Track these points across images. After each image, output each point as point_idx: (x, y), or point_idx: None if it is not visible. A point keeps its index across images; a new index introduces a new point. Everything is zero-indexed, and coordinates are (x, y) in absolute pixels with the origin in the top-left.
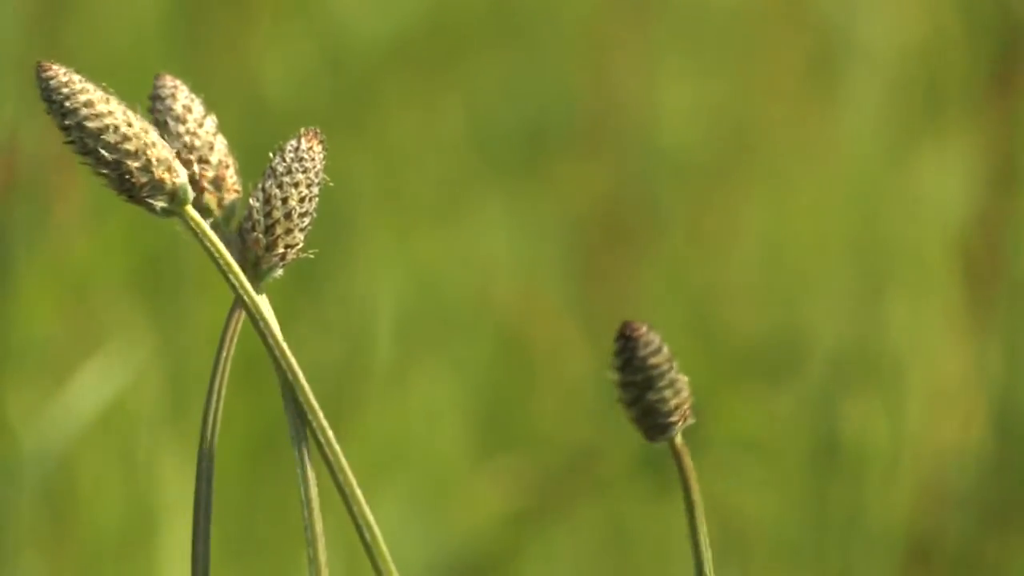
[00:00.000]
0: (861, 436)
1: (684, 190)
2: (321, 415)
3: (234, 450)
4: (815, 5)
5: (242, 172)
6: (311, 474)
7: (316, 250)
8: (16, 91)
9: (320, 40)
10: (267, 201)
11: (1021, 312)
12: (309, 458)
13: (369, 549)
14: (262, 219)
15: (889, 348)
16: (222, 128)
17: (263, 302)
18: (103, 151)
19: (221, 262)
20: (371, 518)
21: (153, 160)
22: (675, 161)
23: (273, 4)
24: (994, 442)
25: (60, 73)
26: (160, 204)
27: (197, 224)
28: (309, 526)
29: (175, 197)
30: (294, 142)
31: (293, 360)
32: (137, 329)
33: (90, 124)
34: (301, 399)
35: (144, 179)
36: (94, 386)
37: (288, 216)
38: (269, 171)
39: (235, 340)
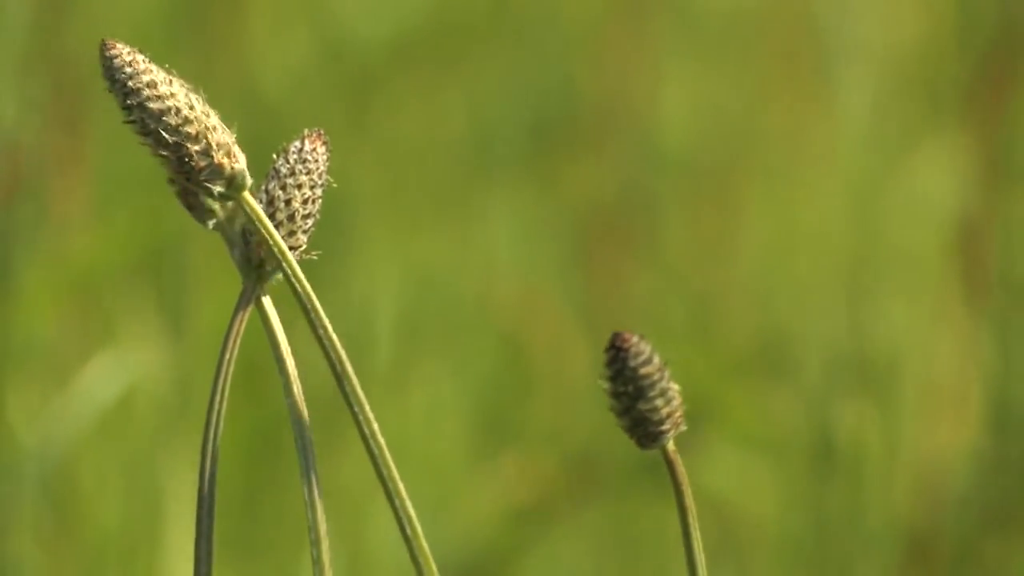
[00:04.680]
0: (858, 436)
1: (684, 190)
2: (367, 406)
3: (237, 450)
4: (813, 6)
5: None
6: (315, 475)
7: (319, 251)
8: (19, 90)
9: (322, 39)
10: (270, 203)
11: (1016, 312)
12: (313, 459)
13: (409, 543)
14: None
15: (885, 348)
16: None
17: (267, 302)
18: (164, 133)
19: (277, 250)
20: (412, 512)
21: (213, 144)
22: (676, 161)
23: (274, 3)
24: (990, 441)
25: (124, 52)
26: (218, 189)
27: (254, 210)
28: (313, 527)
29: (233, 182)
30: (297, 143)
31: (343, 352)
32: (139, 329)
33: (152, 105)
34: (348, 390)
35: (203, 163)
36: (96, 386)
37: (291, 218)
38: (272, 172)
39: (239, 340)
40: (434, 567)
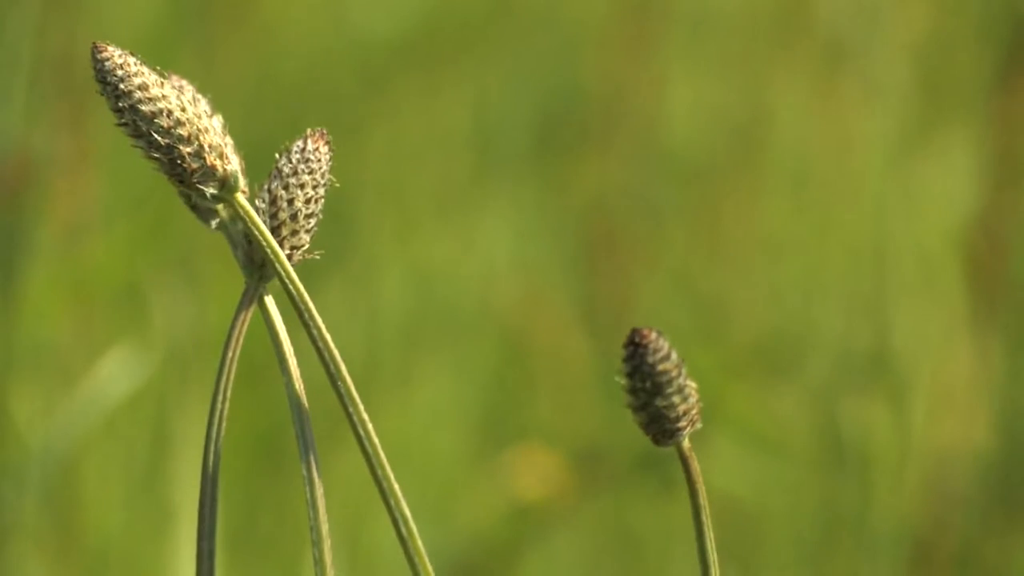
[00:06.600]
0: (866, 436)
1: (690, 190)
2: (362, 407)
3: (238, 451)
4: (822, 6)
5: (246, 169)
6: (316, 475)
7: (322, 251)
8: (26, 93)
9: (326, 38)
10: (273, 202)
11: None
12: (315, 459)
13: (404, 543)
14: (268, 220)
15: (894, 348)
16: (228, 124)
17: (270, 302)
18: (156, 135)
19: (270, 251)
20: (407, 512)
21: (206, 146)
22: (681, 161)
23: (280, 3)
24: (998, 442)
25: (115, 55)
26: (211, 190)
27: (246, 212)
28: (315, 526)
29: (225, 184)
30: (300, 143)
31: (336, 352)
32: (142, 332)
33: (144, 108)
34: (342, 389)
35: (196, 165)
36: (100, 389)
37: (294, 217)
38: (275, 172)
39: (241, 339)
40: (430, 567)
